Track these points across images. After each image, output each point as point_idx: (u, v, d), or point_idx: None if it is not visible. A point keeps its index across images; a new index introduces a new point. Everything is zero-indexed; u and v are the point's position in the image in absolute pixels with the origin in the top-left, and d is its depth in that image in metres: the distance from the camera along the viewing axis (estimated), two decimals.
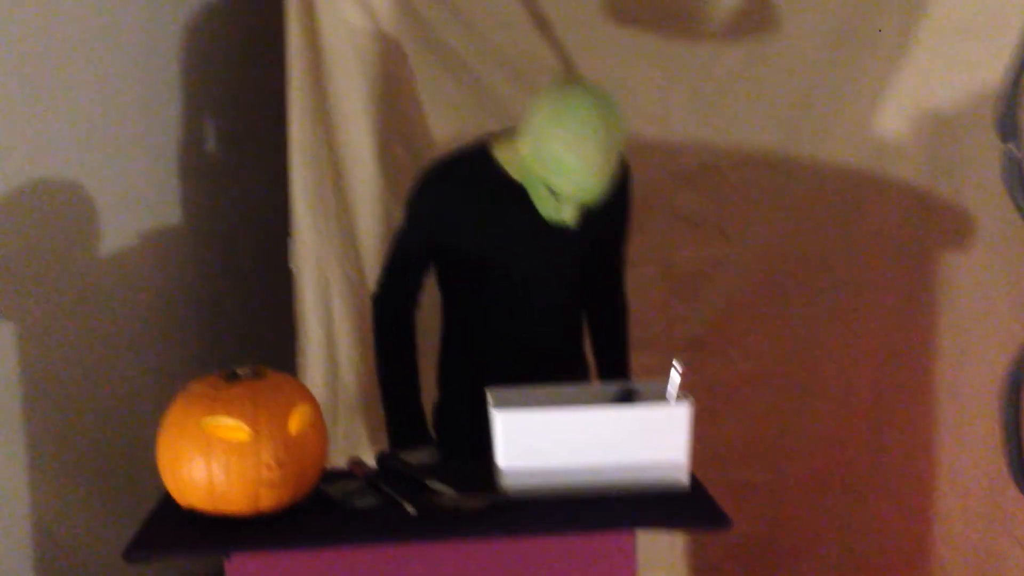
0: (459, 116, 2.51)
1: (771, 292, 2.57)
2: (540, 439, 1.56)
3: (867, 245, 2.52)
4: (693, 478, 1.64)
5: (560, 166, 1.70)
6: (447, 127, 2.53)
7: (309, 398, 1.61)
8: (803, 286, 2.55)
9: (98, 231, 2.16)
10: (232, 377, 1.57)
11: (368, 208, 2.56)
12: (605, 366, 2.10)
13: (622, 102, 2.44)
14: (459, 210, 1.87)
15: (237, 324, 2.77)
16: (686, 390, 1.64)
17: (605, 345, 2.09)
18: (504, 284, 1.94)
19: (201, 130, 2.60)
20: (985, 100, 1.80)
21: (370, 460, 2.60)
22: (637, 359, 2.54)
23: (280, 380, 1.60)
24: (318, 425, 1.59)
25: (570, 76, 1.71)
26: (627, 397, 1.70)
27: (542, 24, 2.46)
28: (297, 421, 1.54)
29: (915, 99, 2.42)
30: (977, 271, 2.42)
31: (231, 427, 1.48)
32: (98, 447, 2.10)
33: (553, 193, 1.75)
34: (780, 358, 2.58)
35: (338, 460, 2.61)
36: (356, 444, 2.61)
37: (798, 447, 2.59)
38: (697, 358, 2.55)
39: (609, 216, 1.91)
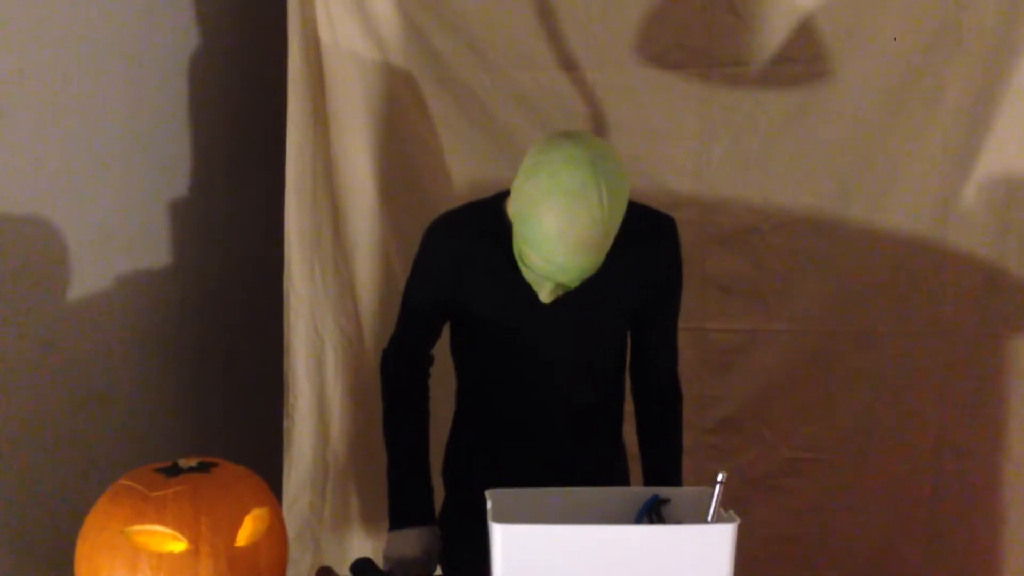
0: (473, 159, 2.32)
1: (815, 371, 2.32)
2: (549, 561, 1.28)
3: (925, 323, 2.28)
4: None
5: (532, 235, 1.42)
6: (459, 171, 2.35)
7: (266, 499, 1.34)
8: (851, 366, 2.31)
9: (68, 274, 1.99)
10: (173, 471, 1.31)
11: (369, 258, 2.38)
12: (649, 469, 1.83)
13: (654, 152, 2.30)
14: (464, 263, 1.64)
15: (221, 380, 2.55)
16: (729, 505, 1.36)
17: (649, 442, 1.81)
18: (513, 360, 1.70)
19: (191, 167, 2.42)
20: None
21: (357, 550, 2.40)
22: None
23: (231, 476, 1.34)
24: (276, 533, 1.32)
25: (571, 129, 1.45)
26: (656, 507, 1.43)
27: (568, 63, 2.28)
28: (249, 530, 1.27)
29: (985, 161, 2.18)
30: None
31: (164, 536, 1.21)
32: (51, 519, 1.89)
33: (525, 264, 1.49)
34: (824, 446, 2.33)
35: (326, 545, 2.39)
36: (345, 524, 2.40)
37: (842, 548, 2.34)
38: (730, 442, 2.36)
39: (647, 285, 1.63)
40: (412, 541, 1.66)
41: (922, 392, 2.28)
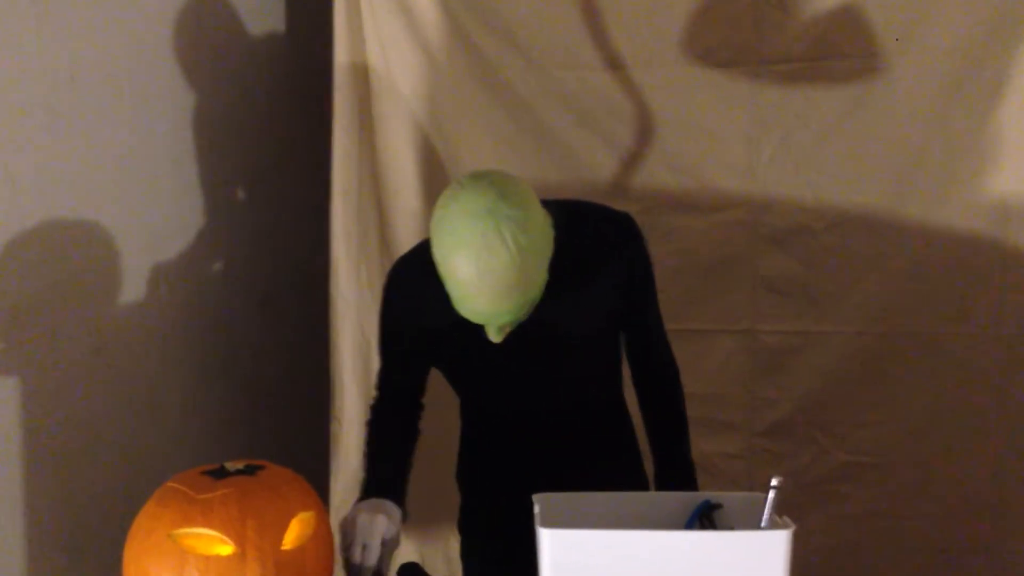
0: (518, 161, 2.30)
1: (872, 373, 2.26)
2: (598, 567, 1.26)
3: (987, 324, 2.21)
4: None
5: (452, 292, 1.42)
6: None
7: (312, 502, 1.33)
8: (909, 368, 2.24)
9: (119, 276, 2.00)
10: (220, 473, 1.31)
11: None
12: (658, 451, 1.77)
13: (703, 151, 2.26)
14: (421, 305, 1.60)
15: (270, 385, 2.56)
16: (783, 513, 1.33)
17: (653, 425, 1.76)
18: (491, 385, 1.68)
19: (238, 170, 2.43)
20: None
21: (403, 553, 2.39)
22: (715, 444, 2.29)
23: (278, 479, 1.33)
24: (322, 537, 1.32)
25: (477, 171, 1.45)
26: (707, 513, 1.39)
27: (614, 63, 2.25)
28: (295, 533, 1.26)
29: None
30: None
31: (210, 539, 1.21)
32: (103, 519, 1.90)
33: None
34: (882, 451, 2.26)
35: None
36: None
37: (901, 558, 2.27)
38: (783, 446, 2.31)
39: (620, 286, 1.61)
40: (377, 513, 1.53)
41: (983, 395, 2.21)
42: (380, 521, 1.49)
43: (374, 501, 1.56)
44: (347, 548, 1.47)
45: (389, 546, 1.51)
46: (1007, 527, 2.23)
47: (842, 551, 2.28)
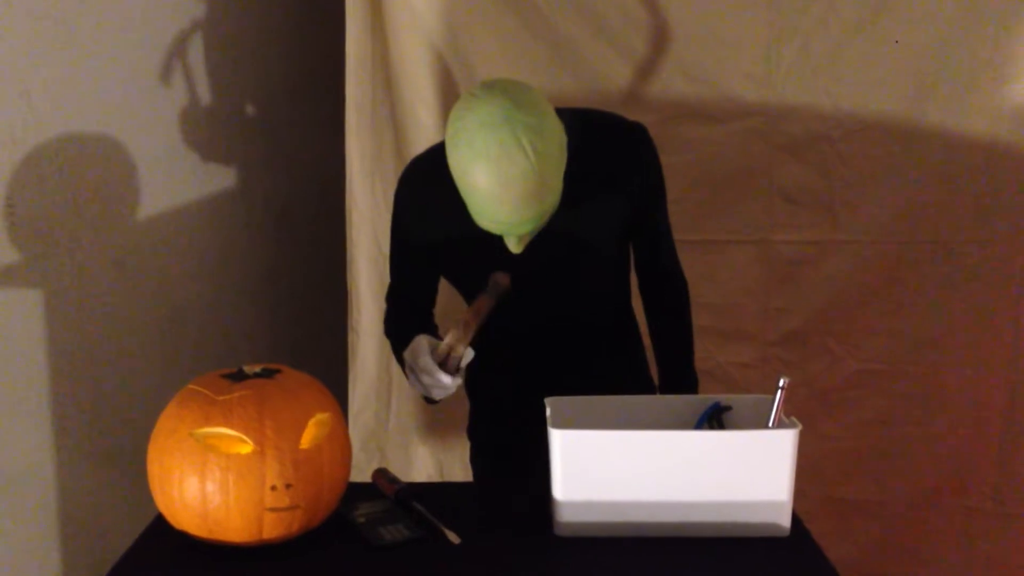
0: (534, 74, 2.26)
1: (886, 282, 2.27)
2: (607, 466, 1.29)
3: (1003, 232, 2.20)
4: (795, 521, 1.35)
5: (472, 203, 1.41)
6: None
7: (329, 405, 1.36)
8: (925, 276, 2.25)
9: (138, 190, 2.01)
10: (238, 376, 1.34)
11: None
12: (663, 359, 1.78)
13: (721, 60, 2.22)
14: (433, 209, 1.61)
15: (288, 297, 2.60)
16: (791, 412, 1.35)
17: (658, 335, 1.77)
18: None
19: (252, 83, 2.41)
20: None
21: (421, 458, 2.45)
22: (729, 354, 2.31)
23: (295, 381, 1.36)
24: (338, 437, 1.35)
25: (490, 80, 1.43)
26: (716, 415, 1.42)
27: None
28: (312, 433, 1.29)
29: None
30: None
31: (230, 439, 1.24)
32: (129, 428, 1.95)
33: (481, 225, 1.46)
34: (895, 359, 2.28)
35: (391, 454, 2.45)
36: (407, 433, 2.43)
37: (912, 462, 2.30)
38: (796, 355, 2.32)
39: (632, 196, 1.60)
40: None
41: (998, 303, 2.21)
42: (419, 344, 1.50)
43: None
44: (419, 379, 1.50)
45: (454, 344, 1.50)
46: (1017, 432, 2.24)
47: (852, 456, 2.31)
